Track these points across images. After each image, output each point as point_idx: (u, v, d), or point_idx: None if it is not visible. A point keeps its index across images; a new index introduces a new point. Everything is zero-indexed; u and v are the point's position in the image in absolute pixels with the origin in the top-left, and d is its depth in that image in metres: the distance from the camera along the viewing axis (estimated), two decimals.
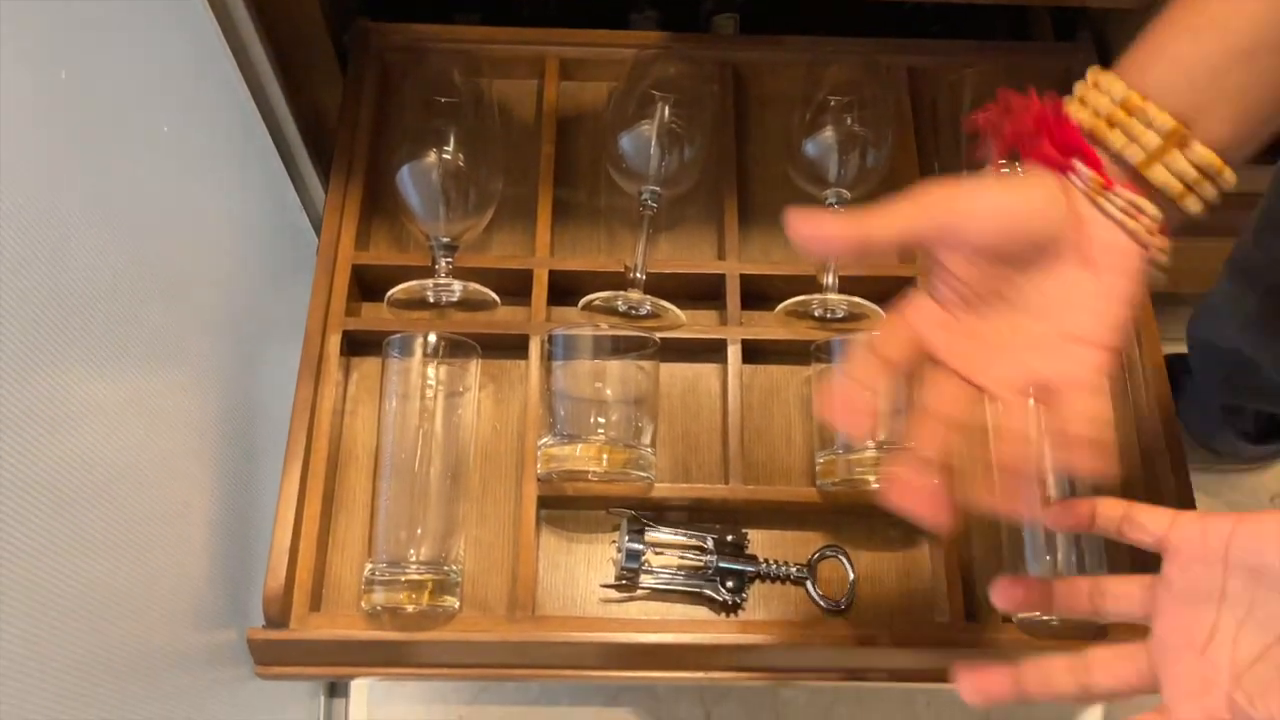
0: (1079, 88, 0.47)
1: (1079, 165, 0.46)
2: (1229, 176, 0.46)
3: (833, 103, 0.74)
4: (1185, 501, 0.67)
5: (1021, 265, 0.46)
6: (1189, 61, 0.45)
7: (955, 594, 0.66)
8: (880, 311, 0.72)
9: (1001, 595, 0.51)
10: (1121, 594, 0.47)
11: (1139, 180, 0.45)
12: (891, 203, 0.45)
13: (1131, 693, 0.45)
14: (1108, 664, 0.46)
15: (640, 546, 0.66)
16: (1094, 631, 0.64)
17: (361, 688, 0.95)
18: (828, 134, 0.74)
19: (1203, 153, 0.44)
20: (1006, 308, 0.46)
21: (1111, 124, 0.45)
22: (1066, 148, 0.46)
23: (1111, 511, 0.47)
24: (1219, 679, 0.42)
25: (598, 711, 0.96)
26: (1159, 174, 0.45)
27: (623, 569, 0.66)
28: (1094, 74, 0.47)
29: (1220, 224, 0.97)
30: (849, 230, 0.45)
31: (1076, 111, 0.47)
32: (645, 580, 0.66)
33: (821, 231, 0.45)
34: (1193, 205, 0.46)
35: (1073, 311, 0.46)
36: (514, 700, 0.96)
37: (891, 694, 0.98)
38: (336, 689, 0.95)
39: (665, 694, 0.97)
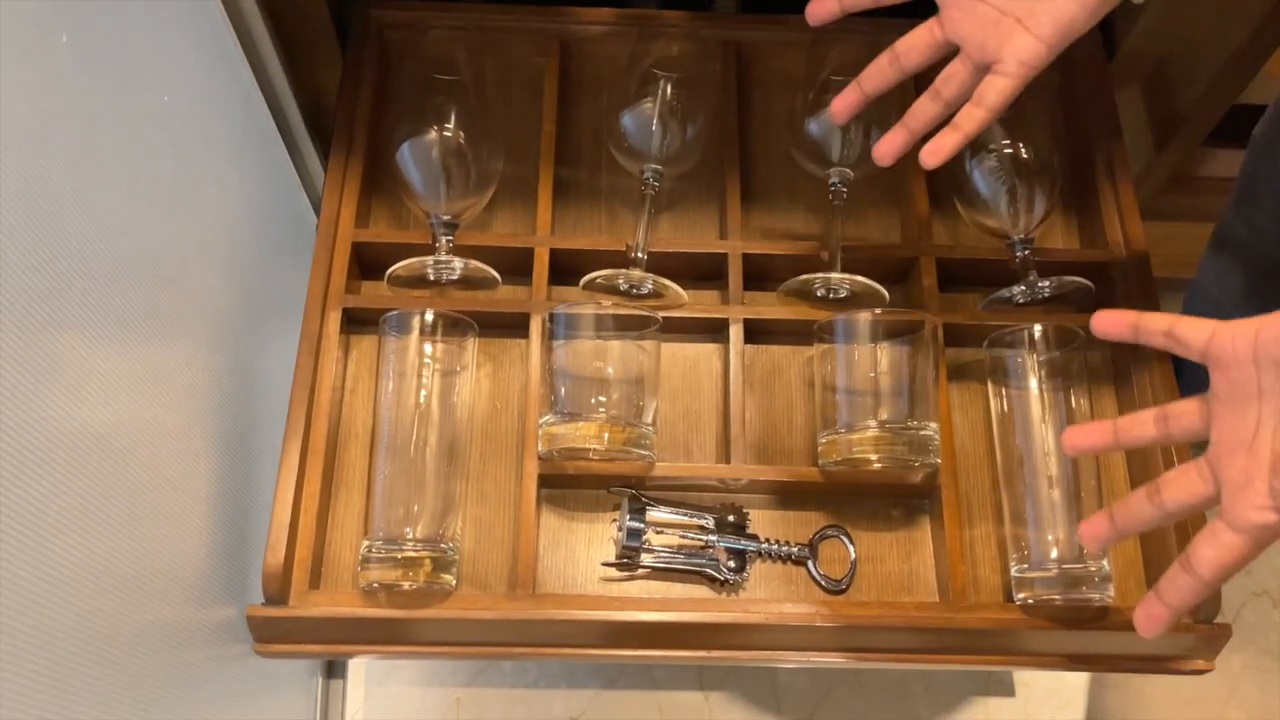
0: None
1: None
2: None
3: (836, 82, 0.73)
4: None
5: None
6: None
7: (957, 574, 0.66)
8: (882, 290, 0.71)
9: (1070, 439, 0.54)
10: (1182, 412, 0.50)
11: None
12: None
13: (1201, 503, 0.48)
14: (1176, 481, 0.49)
15: (641, 525, 0.66)
16: (1094, 614, 0.64)
17: (359, 669, 0.95)
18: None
19: None
20: None
21: None
22: None
23: (1155, 325, 0.51)
24: (1261, 469, 0.45)
25: (596, 694, 0.96)
26: None
27: (624, 547, 0.66)
28: None
29: (1216, 209, 0.98)
30: None
31: None
32: (646, 559, 0.66)
33: None
34: None
35: (1037, 8, 0.54)
36: (512, 683, 0.96)
37: (889, 677, 0.98)
38: (334, 670, 0.95)
39: (663, 677, 0.97)
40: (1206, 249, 0.89)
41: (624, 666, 0.97)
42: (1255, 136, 0.76)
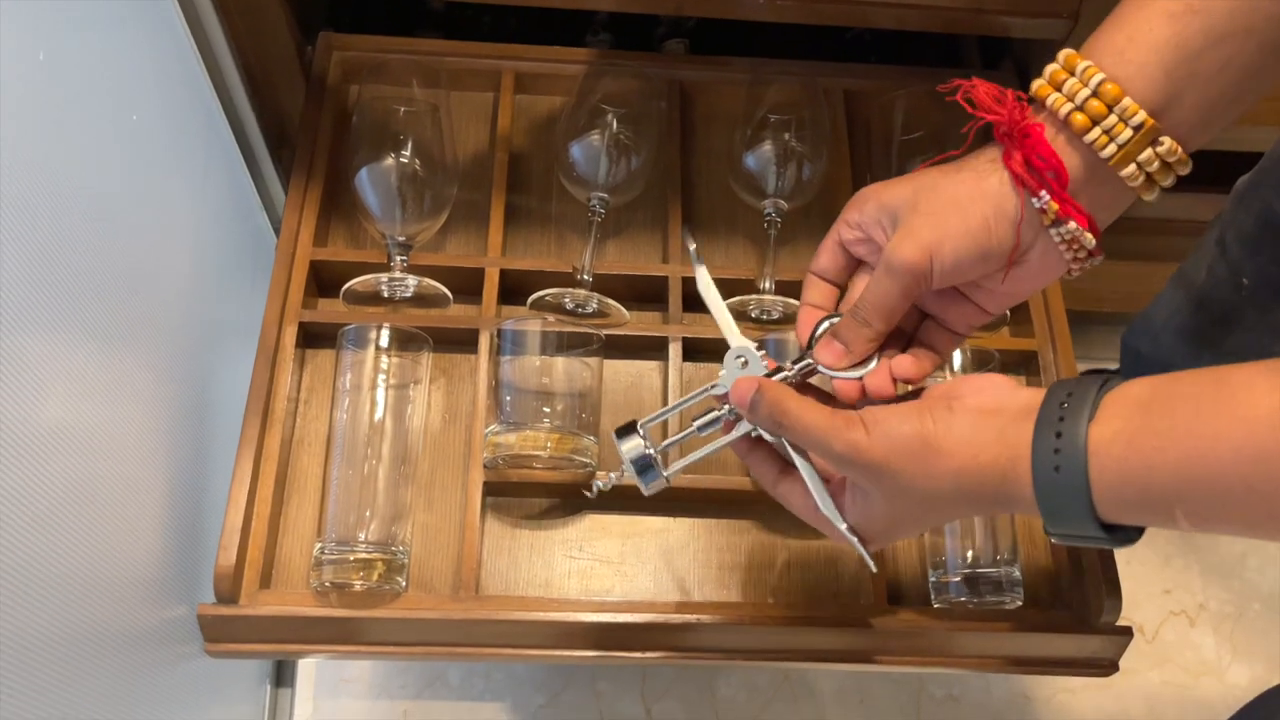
0: (1051, 70, 0.49)
1: (1043, 194, 0.49)
2: (1187, 167, 0.49)
3: (772, 120, 0.79)
4: None
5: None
6: (1165, 48, 0.47)
7: (879, 580, 0.70)
8: None
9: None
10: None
11: (1111, 180, 0.49)
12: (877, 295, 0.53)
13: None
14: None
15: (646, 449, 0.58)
16: (1007, 617, 0.68)
17: (308, 680, 0.96)
18: (767, 148, 0.78)
19: (1171, 147, 0.48)
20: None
21: (1089, 116, 0.48)
22: (1040, 166, 0.49)
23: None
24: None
25: (541, 707, 0.98)
26: (1129, 170, 0.48)
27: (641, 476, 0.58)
28: (1068, 58, 0.49)
29: (1143, 249, 1.04)
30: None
31: (1048, 94, 0.49)
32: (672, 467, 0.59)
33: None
34: (1149, 196, 0.50)
35: (984, 297, 0.54)
36: (459, 696, 0.98)
37: (826, 691, 1.01)
38: (283, 678, 0.96)
39: (607, 691, 1.00)
40: (1167, 284, 0.94)
41: (569, 679, 1.00)
42: (1236, 185, 0.82)
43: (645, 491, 0.58)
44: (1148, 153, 0.48)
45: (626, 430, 0.58)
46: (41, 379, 0.51)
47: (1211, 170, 0.95)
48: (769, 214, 0.78)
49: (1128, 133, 0.47)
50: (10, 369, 0.47)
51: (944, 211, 0.51)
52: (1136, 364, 1.02)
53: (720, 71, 0.86)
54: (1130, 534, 0.45)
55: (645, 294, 0.78)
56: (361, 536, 0.66)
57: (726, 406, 0.57)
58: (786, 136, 0.78)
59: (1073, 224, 0.49)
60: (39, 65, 0.48)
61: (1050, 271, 0.52)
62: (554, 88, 0.85)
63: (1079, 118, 0.48)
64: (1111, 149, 0.48)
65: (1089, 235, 0.49)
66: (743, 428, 0.56)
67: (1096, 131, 0.48)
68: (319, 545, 0.66)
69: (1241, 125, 0.88)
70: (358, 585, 0.65)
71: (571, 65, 0.85)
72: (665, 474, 0.58)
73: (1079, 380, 0.45)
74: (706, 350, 0.77)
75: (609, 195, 0.77)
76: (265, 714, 0.93)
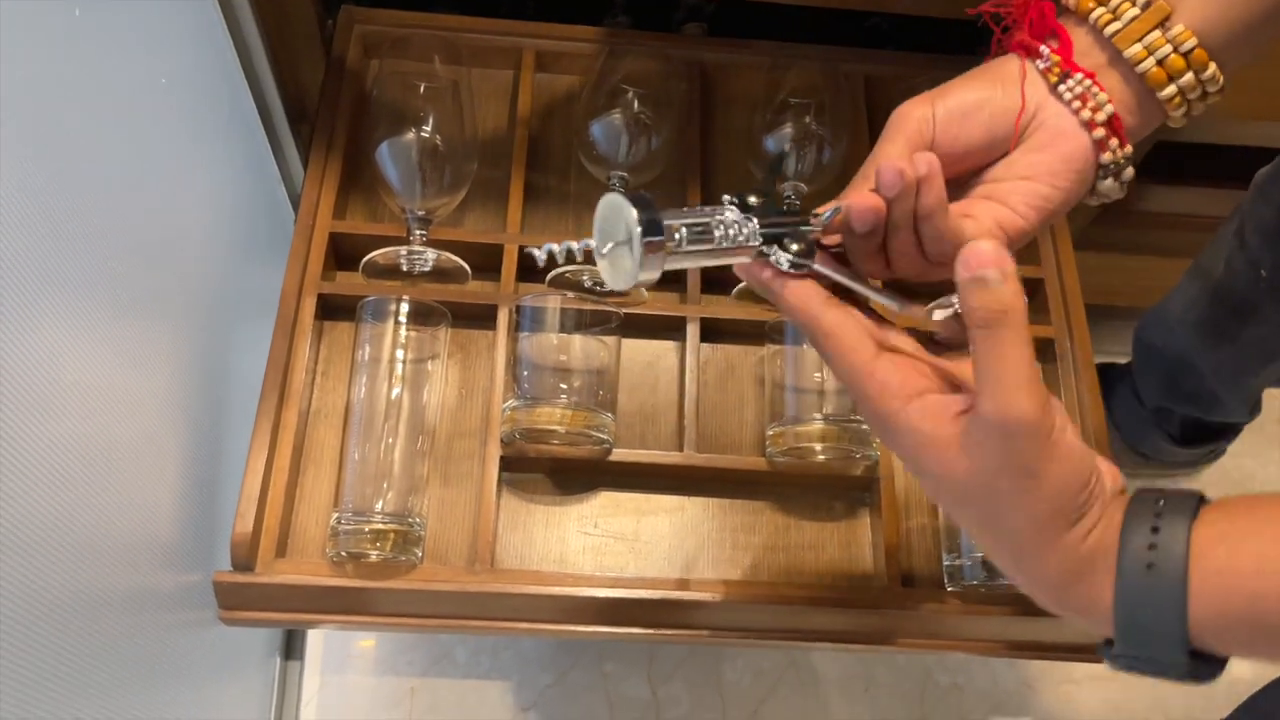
0: None
1: (1043, 49, 0.49)
2: (1213, 72, 0.48)
3: (793, 103, 0.79)
4: None
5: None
6: None
7: (893, 563, 0.70)
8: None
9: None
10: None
11: (1120, 63, 0.48)
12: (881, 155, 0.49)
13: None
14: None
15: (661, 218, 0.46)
16: (1020, 601, 0.68)
17: (316, 655, 0.97)
18: (787, 131, 0.78)
19: (1181, 32, 0.47)
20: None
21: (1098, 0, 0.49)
22: (1041, 28, 0.49)
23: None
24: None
25: (548, 686, 0.99)
26: (1136, 50, 0.48)
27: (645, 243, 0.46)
28: None
29: (1158, 244, 1.04)
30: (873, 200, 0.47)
31: None
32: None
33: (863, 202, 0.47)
34: (1171, 95, 0.48)
35: (1006, 190, 0.50)
36: (465, 674, 0.98)
37: (832, 677, 1.01)
38: (292, 651, 0.96)
39: (614, 671, 1.00)
40: (1184, 276, 0.94)
41: (576, 658, 1.00)
42: (1255, 178, 0.81)
43: (638, 270, 0.46)
44: (1156, 34, 0.47)
45: (643, 201, 0.46)
46: (61, 342, 0.51)
47: (1227, 165, 0.96)
48: (788, 197, 0.78)
49: (1134, 10, 0.48)
50: (29, 331, 0.47)
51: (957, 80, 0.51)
52: (1149, 357, 1.02)
53: (741, 54, 0.86)
54: (1214, 669, 0.38)
55: (664, 275, 0.78)
56: (378, 507, 0.66)
57: (754, 236, 0.48)
58: (807, 120, 0.78)
59: (1080, 75, 0.48)
60: (74, 20, 0.48)
61: (1069, 144, 0.48)
62: (574, 67, 0.85)
63: (1086, 2, 0.49)
64: (1115, 25, 0.48)
65: (1100, 92, 0.48)
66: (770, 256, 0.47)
67: (1100, 10, 0.48)
68: (335, 515, 0.66)
69: (1259, 120, 0.89)
70: (373, 556, 0.65)
71: (593, 45, 0.85)
72: (666, 264, 0.47)
73: (1167, 489, 0.40)
74: (724, 331, 0.77)
75: (628, 174, 0.77)
76: (275, 686, 0.93)
